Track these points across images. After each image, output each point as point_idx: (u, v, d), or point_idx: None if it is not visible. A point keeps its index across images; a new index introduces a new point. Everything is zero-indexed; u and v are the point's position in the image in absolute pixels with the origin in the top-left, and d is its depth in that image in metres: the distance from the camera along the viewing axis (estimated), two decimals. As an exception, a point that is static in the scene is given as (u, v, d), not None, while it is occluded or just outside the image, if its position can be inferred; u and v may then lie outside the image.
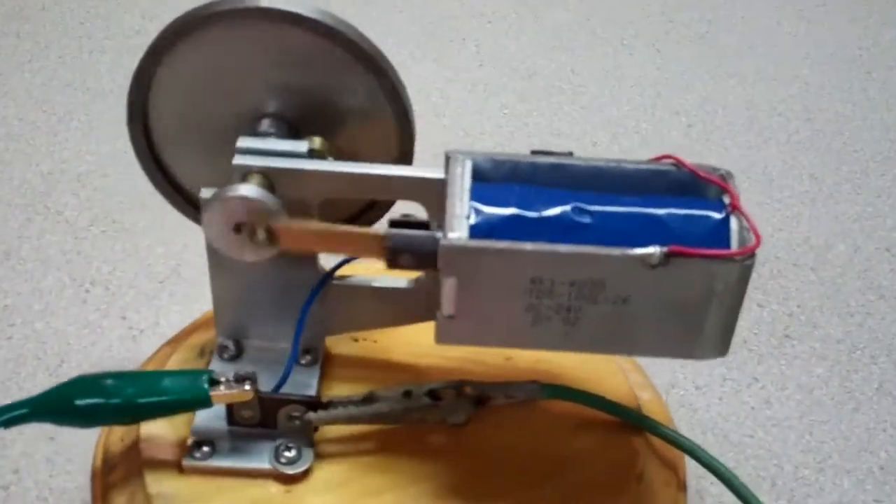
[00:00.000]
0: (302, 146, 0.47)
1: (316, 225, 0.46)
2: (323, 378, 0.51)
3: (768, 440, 0.61)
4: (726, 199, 0.44)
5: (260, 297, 0.50)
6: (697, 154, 0.83)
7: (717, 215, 0.43)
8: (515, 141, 0.82)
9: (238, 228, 0.45)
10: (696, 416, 0.62)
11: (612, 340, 0.45)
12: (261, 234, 0.45)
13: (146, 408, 0.45)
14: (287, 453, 0.47)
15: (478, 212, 0.43)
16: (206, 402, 0.45)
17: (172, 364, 0.53)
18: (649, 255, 0.41)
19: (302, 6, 0.46)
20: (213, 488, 0.47)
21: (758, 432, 0.62)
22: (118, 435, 0.50)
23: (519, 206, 0.43)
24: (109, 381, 0.45)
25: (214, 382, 0.45)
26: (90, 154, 0.80)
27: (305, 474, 0.47)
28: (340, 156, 0.48)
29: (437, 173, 0.46)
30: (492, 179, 0.45)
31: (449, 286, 0.43)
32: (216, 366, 0.51)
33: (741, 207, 0.43)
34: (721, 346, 0.45)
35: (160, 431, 0.48)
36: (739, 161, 0.82)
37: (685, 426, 0.61)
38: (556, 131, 0.84)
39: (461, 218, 0.43)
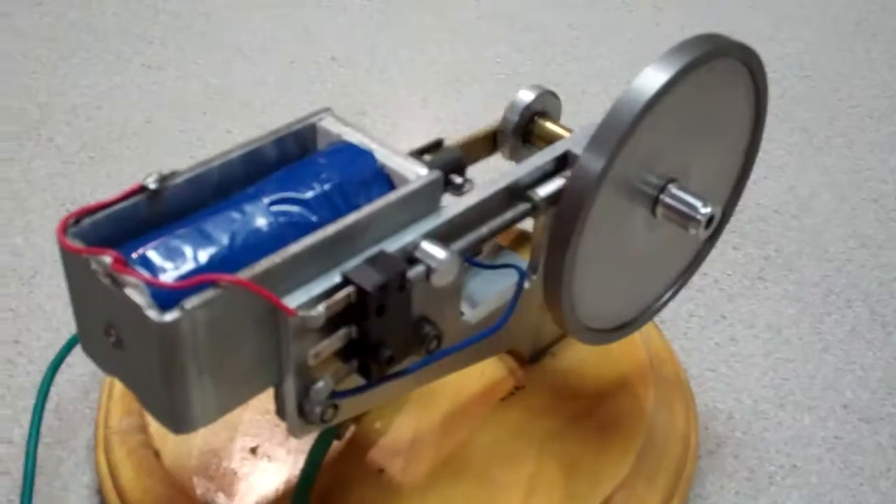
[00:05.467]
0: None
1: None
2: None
3: (730, 375, 0.61)
4: None
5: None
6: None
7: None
8: (505, 87, 0.83)
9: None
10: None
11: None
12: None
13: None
14: None
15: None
16: None
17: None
18: None
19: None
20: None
21: (720, 367, 0.62)
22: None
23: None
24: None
25: None
26: (87, 88, 0.82)
27: None
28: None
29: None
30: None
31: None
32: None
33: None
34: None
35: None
36: (730, 113, 0.82)
37: (646, 356, 0.61)
38: (548, 80, 0.84)
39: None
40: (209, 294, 0.35)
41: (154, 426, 0.49)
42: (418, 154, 0.48)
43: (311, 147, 0.45)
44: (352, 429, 0.49)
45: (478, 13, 0.93)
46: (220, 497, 0.46)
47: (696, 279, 0.67)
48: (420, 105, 0.81)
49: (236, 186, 0.42)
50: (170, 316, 0.34)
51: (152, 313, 0.34)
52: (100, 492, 0.50)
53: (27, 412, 0.52)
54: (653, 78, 0.42)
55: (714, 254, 0.69)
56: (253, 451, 0.49)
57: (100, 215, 0.39)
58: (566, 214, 0.42)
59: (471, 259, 0.50)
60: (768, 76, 0.48)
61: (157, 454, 0.48)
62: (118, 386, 0.52)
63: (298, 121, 0.44)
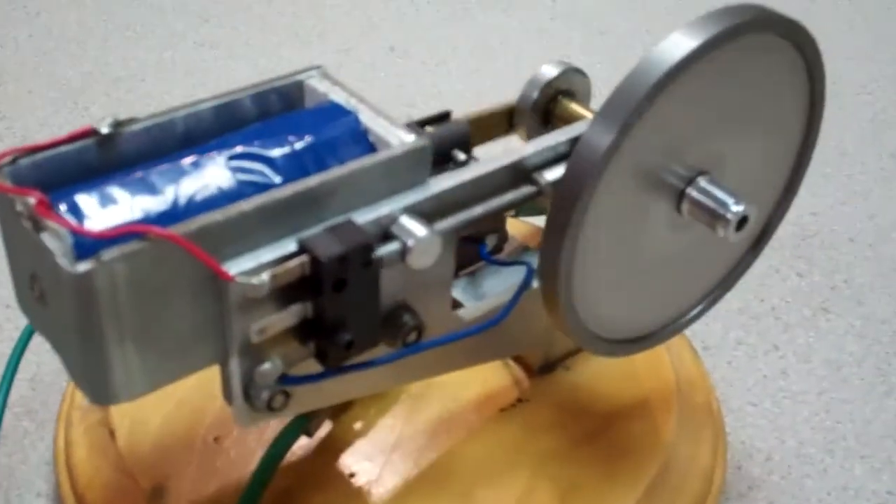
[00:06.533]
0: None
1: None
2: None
3: (774, 412, 0.54)
4: None
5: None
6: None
7: None
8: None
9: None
10: (698, 377, 0.56)
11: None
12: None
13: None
14: None
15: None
16: None
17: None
18: None
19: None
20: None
21: (764, 402, 0.55)
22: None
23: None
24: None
25: None
26: (134, 61, 0.79)
27: None
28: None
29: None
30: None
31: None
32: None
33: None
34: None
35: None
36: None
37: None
38: (612, 83, 0.79)
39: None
40: (133, 247, 0.30)
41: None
42: (420, 125, 0.43)
43: (297, 107, 0.40)
44: (328, 427, 0.45)
45: (551, 14, 0.88)
46: (169, 485, 0.42)
47: (751, 305, 0.60)
48: (474, 100, 0.76)
49: (205, 142, 0.37)
50: (83, 266, 0.30)
51: (64, 261, 0.30)
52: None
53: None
54: (676, 46, 0.36)
55: (775, 279, 0.63)
56: (216, 440, 0.44)
57: (40, 156, 0.35)
58: (565, 197, 0.37)
59: (485, 254, 0.45)
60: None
61: (112, 433, 0.44)
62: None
63: (283, 76, 0.40)
